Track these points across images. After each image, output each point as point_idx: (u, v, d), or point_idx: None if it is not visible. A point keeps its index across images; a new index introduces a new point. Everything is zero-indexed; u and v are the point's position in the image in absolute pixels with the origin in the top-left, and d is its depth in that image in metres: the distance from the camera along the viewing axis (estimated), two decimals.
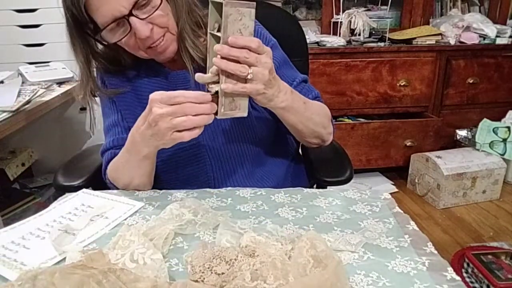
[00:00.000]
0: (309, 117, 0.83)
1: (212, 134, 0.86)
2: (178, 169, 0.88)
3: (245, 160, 0.89)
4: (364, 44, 2.28)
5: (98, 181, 0.92)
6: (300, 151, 1.09)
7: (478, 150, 2.26)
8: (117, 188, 0.84)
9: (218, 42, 0.63)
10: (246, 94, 0.67)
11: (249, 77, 0.64)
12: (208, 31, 0.67)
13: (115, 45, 0.79)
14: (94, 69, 0.86)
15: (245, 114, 0.69)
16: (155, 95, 0.65)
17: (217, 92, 0.65)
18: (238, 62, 0.63)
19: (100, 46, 0.84)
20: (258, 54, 0.64)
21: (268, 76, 0.66)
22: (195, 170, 0.88)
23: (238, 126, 0.87)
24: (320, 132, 0.88)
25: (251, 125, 0.87)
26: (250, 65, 0.64)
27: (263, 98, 0.70)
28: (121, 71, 0.88)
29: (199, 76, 0.66)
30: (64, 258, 0.58)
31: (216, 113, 0.66)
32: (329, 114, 0.92)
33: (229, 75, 0.64)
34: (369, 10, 2.49)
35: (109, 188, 0.86)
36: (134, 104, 0.87)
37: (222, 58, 0.62)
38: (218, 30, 0.64)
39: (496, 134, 2.28)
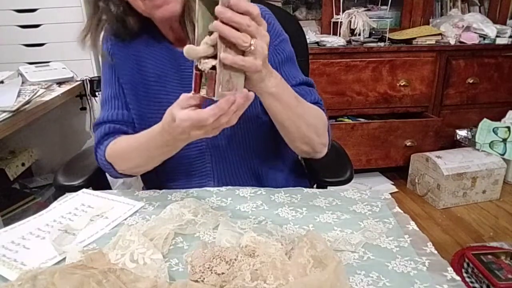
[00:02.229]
0: (300, 115, 0.74)
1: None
2: (180, 165, 0.88)
3: (246, 159, 0.89)
4: (364, 44, 2.28)
5: (98, 181, 0.92)
6: None
7: (478, 150, 2.26)
8: (112, 167, 0.83)
9: (209, 10, 0.55)
10: (245, 69, 0.58)
11: (251, 48, 0.56)
12: None
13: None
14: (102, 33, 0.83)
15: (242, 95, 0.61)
16: (184, 123, 0.60)
17: (213, 67, 0.56)
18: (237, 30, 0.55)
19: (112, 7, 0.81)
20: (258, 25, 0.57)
21: (266, 51, 0.60)
22: (197, 166, 0.87)
23: (240, 126, 0.84)
24: (311, 138, 0.79)
25: (252, 126, 0.87)
26: (251, 35, 0.56)
27: (258, 77, 0.63)
28: (127, 40, 0.85)
29: (190, 49, 0.56)
30: (64, 258, 0.58)
31: (212, 94, 0.56)
32: (326, 122, 0.83)
33: (228, 46, 0.55)
34: (369, 10, 2.49)
35: (108, 187, 0.86)
36: (136, 80, 0.86)
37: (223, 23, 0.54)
38: None
39: (496, 134, 2.28)
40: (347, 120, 2.35)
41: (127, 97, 0.87)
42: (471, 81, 2.37)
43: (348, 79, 2.24)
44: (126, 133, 0.85)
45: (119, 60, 0.86)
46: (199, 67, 0.57)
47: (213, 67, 0.55)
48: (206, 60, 0.57)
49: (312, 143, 0.80)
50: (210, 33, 0.56)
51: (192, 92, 0.60)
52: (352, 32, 2.33)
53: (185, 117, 0.60)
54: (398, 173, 2.50)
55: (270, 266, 0.51)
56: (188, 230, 0.64)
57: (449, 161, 2.13)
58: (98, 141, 0.85)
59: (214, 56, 0.56)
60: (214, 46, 0.56)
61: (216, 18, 0.54)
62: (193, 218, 0.66)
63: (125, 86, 0.87)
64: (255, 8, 0.56)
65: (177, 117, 0.61)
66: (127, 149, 0.80)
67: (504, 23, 2.53)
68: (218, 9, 0.53)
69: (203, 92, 0.59)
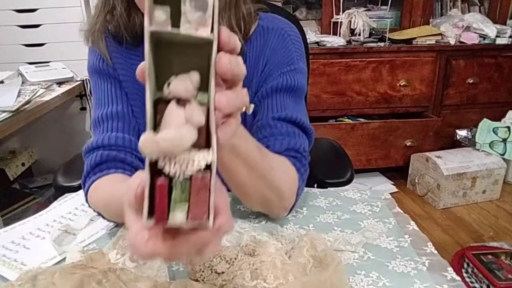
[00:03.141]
0: (262, 174, 0.55)
1: None
2: None
3: None
4: (364, 44, 2.28)
5: None
6: None
7: (478, 150, 2.26)
8: (98, 212, 0.67)
9: (173, 57, 0.32)
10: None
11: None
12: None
13: None
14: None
15: None
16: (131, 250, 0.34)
17: (206, 167, 0.31)
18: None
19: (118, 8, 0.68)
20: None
21: None
22: None
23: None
24: (271, 201, 0.61)
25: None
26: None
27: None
28: (130, 45, 0.72)
29: (151, 141, 0.29)
30: (64, 258, 0.58)
31: (202, 217, 0.31)
32: (297, 182, 0.64)
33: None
34: (369, 10, 2.49)
35: None
36: (143, 92, 0.76)
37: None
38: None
39: (496, 134, 2.28)
40: (347, 120, 2.35)
41: (134, 111, 0.72)
42: (471, 81, 2.37)
43: (348, 79, 2.24)
44: (123, 161, 0.67)
45: (123, 71, 0.73)
46: (169, 170, 0.30)
47: (207, 167, 0.31)
48: (194, 157, 0.31)
49: (270, 206, 0.63)
50: (167, 102, 0.31)
51: (148, 219, 0.30)
52: (352, 32, 2.33)
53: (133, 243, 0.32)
54: (398, 173, 2.50)
55: (270, 265, 0.51)
56: None
57: (449, 161, 2.13)
58: (87, 172, 0.66)
59: (198, 145, 0.31)
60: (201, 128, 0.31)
61: (180, 70, 0.31)
62: None
63: (133, 102, 0.73)
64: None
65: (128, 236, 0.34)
66: (107, 202, 0.62)
67: (504, 23, 2.53)
68: (224, 61, 0.31)
69: (175, 220, 0.30)
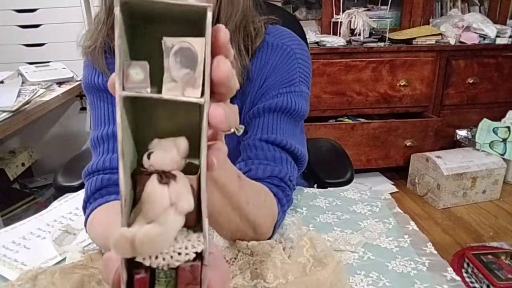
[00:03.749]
0: (238, 205, 0.50)
1: None
2: None
3: None
4: (364, 44, 2.28)
5: None
6: None
7: (478, 150, 2.26)
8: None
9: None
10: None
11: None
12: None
13: None
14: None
15: None
16: None
17: (196, 256, 0.26)
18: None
19: None
20: None
21: None
22: None
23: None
24: (245, 234, 0.55)
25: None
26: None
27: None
28: None
29: (121, 240, 0.23)
30: (65, 258, 0.58)
31: None
32: (276, 216, 0.58)
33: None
34: (369, 10, 2.49)
35: None
36: None
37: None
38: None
39: (496, 134, 2.28)
40: (347, 120, 2.35)
41: None
42: (471, 81, 2.37)
43: (348, 79, 2.24)
44: None
45: None
46: (149, 263, 0.25)
47: (197, 256, 0.26)
48: (182, 245, 0.25)
49: (243, 238, 0.57)
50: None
51: None
52: (352, 32, 2.33)
53: None
54: (398, 173, 2.50)
55: (270, 265, 0.51)
56: None
57: (449, 161, 2.13)
58: (88, 197, 0.62)
59: (186, 222, 0.26)
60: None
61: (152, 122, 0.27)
62: None
63: None
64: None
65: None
66: (104, 242, 0.57)
67: (504, 23, 2.53)
68: (223, 69, 0.26)
69: None
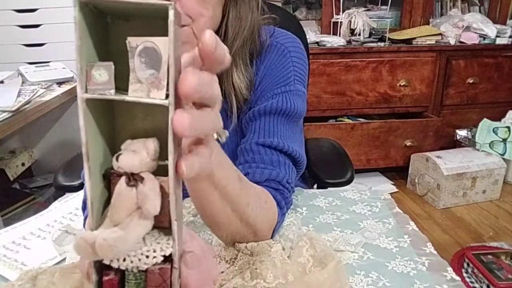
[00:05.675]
0: (238, 208, 0.49)
1: None
2: None
3: None
4: (364, 44, 2.28)
5: None
6: None
7: (478, 150, 2.26)
8: None
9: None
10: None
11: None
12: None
13: None
14: None
15: None
16: None
17: (165, 259, 0.27)
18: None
19: None
20: None
21: None
22: None
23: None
24: (244, 237, 0.55)
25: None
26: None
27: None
28: None
29: (84, 245, 0.23)
30: (65, 258, 0.58)
31: None
32: (276, 219, 0.58)
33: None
34: (369, 10, 2.49)
35: None
36: None
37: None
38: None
39: (496, 134, 2.28)
40: (347, 120, 2.35)
41: None
42: (471, 81, 2.37)
43: (348, 79, 2.24)
44: None
45: None
46: (118, 265, 0.25)
47: (166, 259, 0.26)
48: (150, 248, 0.26)
49: (242, 240, 0.56)
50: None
51: None
52: (352, 32, 2.33)
53: None
54: (398, 173, 2.50)
55: (270, 265, 0.51)
56: None
57: (449, 161, 2.13)
58: (85, 199, 0.59)
59: (157, 221, 0.26)
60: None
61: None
62: (193, 219, 0.66)
63: None
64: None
65: None
66: None
67: (504, 23, 2.53)
68: (189, 82, 0.25)
69: None
